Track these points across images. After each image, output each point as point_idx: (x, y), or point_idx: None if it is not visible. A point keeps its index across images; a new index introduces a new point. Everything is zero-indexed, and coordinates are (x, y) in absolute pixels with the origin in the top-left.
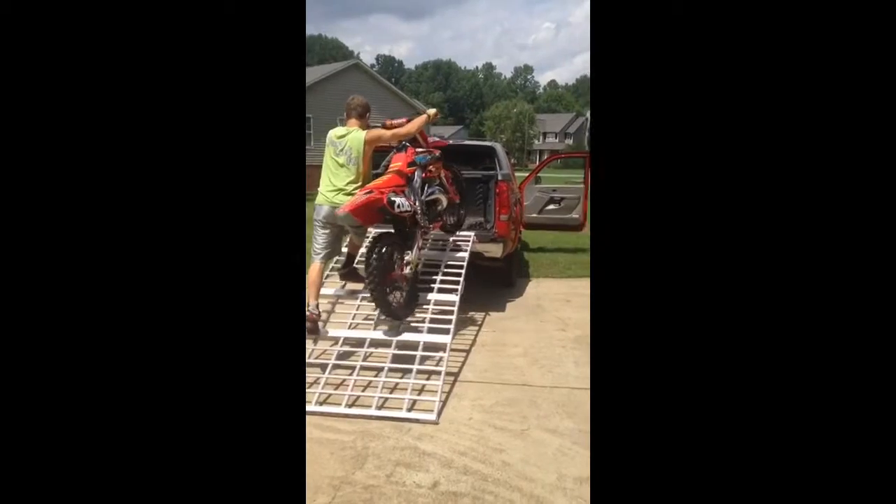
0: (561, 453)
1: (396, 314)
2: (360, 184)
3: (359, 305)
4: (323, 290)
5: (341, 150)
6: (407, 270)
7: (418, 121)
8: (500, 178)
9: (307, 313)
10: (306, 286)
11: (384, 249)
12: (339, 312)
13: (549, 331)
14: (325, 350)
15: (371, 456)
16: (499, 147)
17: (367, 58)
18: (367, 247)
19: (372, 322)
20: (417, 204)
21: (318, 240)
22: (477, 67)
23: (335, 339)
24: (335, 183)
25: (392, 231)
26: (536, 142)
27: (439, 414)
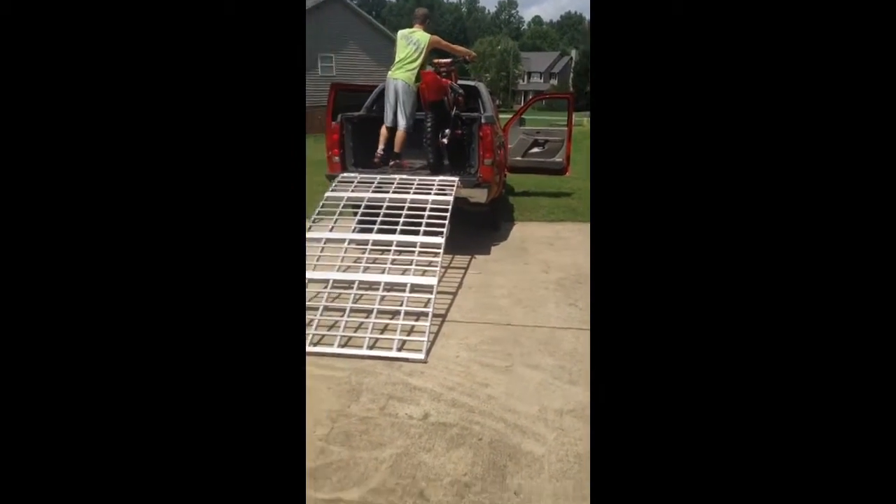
0: (542, 387)
1: (438, 164)
2: (419, 68)
3: (346, 248)
4: (309, 235)
5: (410, 41)
6: (444, 140)
7: (463, 48)
8: (483, 120)
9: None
10: (396, 143)
11: (434, 121)
12: (328, 255)
13: (533, 273)
14: (318, 293)
15: (365, 390)
16: (482, 87)
17: None
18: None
19: (360, 265)
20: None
21: (404, 109)
22: (460, 0)
23: (325, 281)
24: (404, 60)
25: (435, 114)
26: (521, 82)
27: (428, 353)
